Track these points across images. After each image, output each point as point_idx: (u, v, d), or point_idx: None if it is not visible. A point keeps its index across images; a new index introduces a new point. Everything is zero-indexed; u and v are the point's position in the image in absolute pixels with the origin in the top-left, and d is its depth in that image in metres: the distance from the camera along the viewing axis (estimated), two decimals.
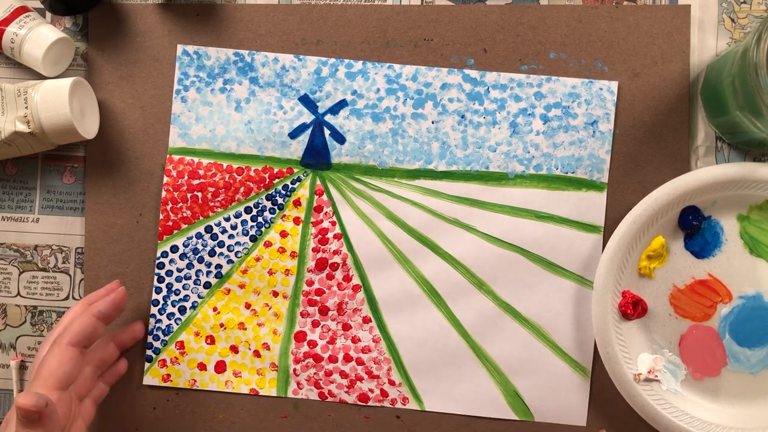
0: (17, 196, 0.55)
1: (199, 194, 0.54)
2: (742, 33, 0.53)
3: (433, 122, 0.53)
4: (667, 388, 0.51)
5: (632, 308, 0.51)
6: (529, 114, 0.53)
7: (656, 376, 0.50)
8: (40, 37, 0.52)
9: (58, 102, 0.50)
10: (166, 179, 0.54)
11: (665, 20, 0.53)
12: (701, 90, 0.53)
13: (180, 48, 0.54)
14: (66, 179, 0.55)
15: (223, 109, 0.54)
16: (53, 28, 0.53)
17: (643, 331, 0.52)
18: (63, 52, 0.54)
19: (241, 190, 0.54)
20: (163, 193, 0.54)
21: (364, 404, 0.53)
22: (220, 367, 0.54)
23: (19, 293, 0.55)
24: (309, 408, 0.54)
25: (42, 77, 0.54)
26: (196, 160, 0.54)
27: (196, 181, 0.54)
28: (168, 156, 0.54)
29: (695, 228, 0.51)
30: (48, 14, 0.55)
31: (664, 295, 0.52)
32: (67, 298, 0.55)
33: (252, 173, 0.54)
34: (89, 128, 0.53)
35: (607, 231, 0.53)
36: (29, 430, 0.39)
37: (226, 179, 0.54)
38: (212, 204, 0.54)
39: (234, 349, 0.54)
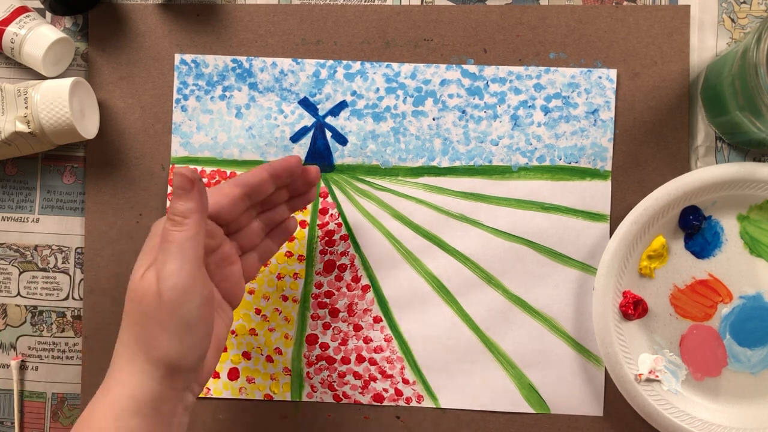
0: (17, 196, 0.55)
1: None
2: (742, 33, 0.53)
3: (434, 119, 0.54)
4: (668, 388, 0.51)
5: (633, 308, 0.51)
6: (530, 106, 0.53)
7: (657, 376, 0.51)
8: (40, 37, 0.52)
9: (58, 102, 0.50)
10: (170, 189, 0.54)
11: (665, 20, 0.53)
12: (701, 90, 0.53)
13: (178, 57, 0.54)
14: (66, 179, 0.55)
15: (224, 116, 0.54)
16: (53, 28, 0.53)
17: (644, 332, 0.52)
18: (63, 52, 0.54)
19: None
20: (168, 203, 0.54)
21: (379, 404, 0.53)
22: (233, 374, 0.54)
23: (19, 293, 0.55)
24: (309, 408, 0.54)
25: (42, 77, 0.54)
26: (199, 168, 0.54)
27: None
28: (171, 166, 0.54)
29: (695, 228, 0.51)
30: (48, 14, 0.55)
31: (664, 295, 0.52)
32: (66, 298, 0.55)
33: None
34: (89, 128, 0.53)
35: (614, 218, 0.53)
36: (182, 201, 0.39)
37: None
38: None
39: (246, 355, 0.54)
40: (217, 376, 0.54)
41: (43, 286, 0.55)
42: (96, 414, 0.38)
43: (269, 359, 0.54)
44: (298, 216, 0.54)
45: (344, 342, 0.54)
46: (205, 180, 0.54)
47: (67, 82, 0.50)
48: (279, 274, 0.54)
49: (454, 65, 0.53)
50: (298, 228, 0.53)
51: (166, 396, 0.38)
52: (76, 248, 0.55)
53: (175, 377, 0.38)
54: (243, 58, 0.54)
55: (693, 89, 0.53)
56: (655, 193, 0.50)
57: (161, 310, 0.37)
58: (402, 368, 0.53)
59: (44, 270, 0.55)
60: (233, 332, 0.54)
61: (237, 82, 0.54)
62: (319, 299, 0.54)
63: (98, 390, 0.39)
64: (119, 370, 0.39)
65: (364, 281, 0.54)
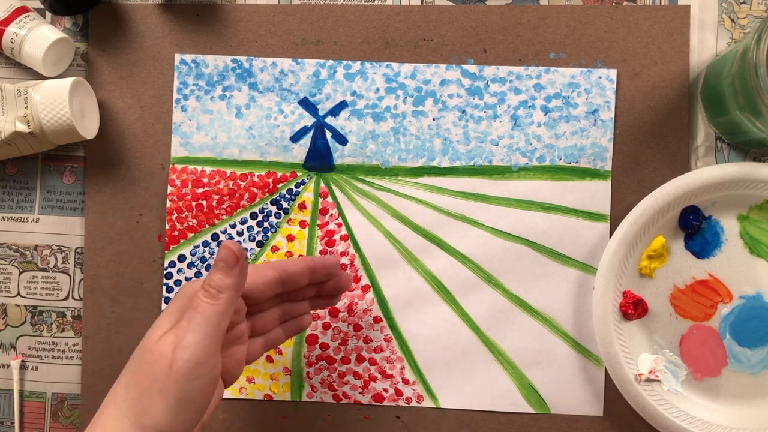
0: (17, 196, 0.55)
1: (204, 202, 0.54)
2: (742, 33, 0.53)
3: (434, 119, 0.54)
4: (668, 388, 0.51)
5: (633, 308, 0.51)
6: (530, 106, 0.53)
7: (657, 376, 0.51)
8: (40, 37, 0.52)
9: (58, 102, 0.50)
10: (170, 189, 0.54)
11: (665, 20, 0.53)
12: (701, 90, 0.53)
13: (178, 57, 0.54)
14: (66, 179, 0.55)
15: (224, 116, 0.54)
16: (53, 28, 0.53)
17: (644, 332, 0.52)
18: (63, 52, 0.54)
19: (246, 196, 0.54)
20: (168, 203, 0.54)
21: (379, 404, 0.53)
22: None
23: (19, 293, 0.55)
24: (309, 408, 0.54)
25: (42, 77, 0.54)
26: (199, 168, 0.54)
27: (200, 190, 0.54)
28: (171, 166, 0.54)
29: (695, 228, 0.51)
30: (48, 14, 0.55)
31: (664, 295, 0.52)
32: (66, 298, 0.55)
33: (256, 179, 0.54)
34: (89, 128, 0.53)
35: (614, 219, 0.53)
36: (222, 274, 0.38)
37: (230, 186, 0.54)
38: (217, 211, 0.54)
39: None
40: None
41: (43, 286, 0.55)
42: None
43: (269, 359, 0.54)
44: (298, 216, 0.54)
45: (344, 342, 0.54)
46: (204, 180, 0.54)
47: (67, 82, 0.50)
48: None
49: (454, 65, 0.53)
50: (298, 228, 0.54)
51: None
52: (76, 248, 0.55)
53: None
54: (243, 58, 0.54)
55: (693, 89, 0.53)
56: (655, 193, 0.50)
57: (169, 379, 0.37)
58: (402, 368, 0.53)
59: (44, 270, 0.55)
60: None
61: (237, 82, 0.54)
62: None
63: None
64: (102, 427, 0.37)
65: (364, 281, 0.54)
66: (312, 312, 0.51)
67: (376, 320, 0.54)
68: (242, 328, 0.44)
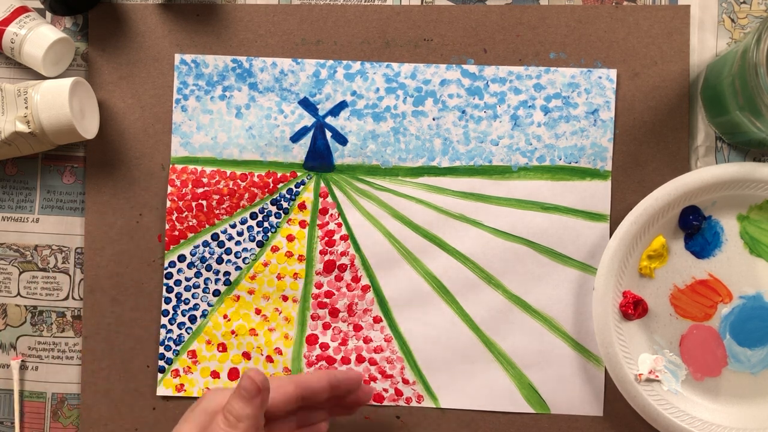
0: (17, 196, 0.55)
1: (204, 202, 0.54)
2: (742, 33, 0.53)
3: (434, 119, 0.54)
4: (668, 388, 0.51)
5: (633, 308, 0.51)
6: (530, 106, 0.53)
7: (657, 376, 0.51)
8: (40, 37, 0.52)
9: (58, 102, 0.50)
10: (170, 189, 0.54)
11: (665, 20, 0.53)
12: (701, 90, 0.53)
13: (178, 57, 0.54)
14: (66, 179, 0.55)
15: (224, 116, 0.54)
16: (53, 28, 0.53)
17: (644, 332, 0.52)
18: (63, 52, 0.54)
19: (246, 196, 0.54)
20: (168, 203, 0.54)
21: (379, 404, 0.53)
22: (234, 374, 0.54)
23: (19, 293, 0.55)
24: None
25: (42, 77, 0.53)
26: (199, 168, 0.54)
27: (200, 190, 0.54)
28: (171, 166, 0.54)
29: (695, 228, 0.51)
30: (48, 14, 0.55)
31: (664, 295, 0.52)
32: (66, 298, 0.55)
33: (256, 179, 0.54)
34: (89, 128, 0.53)
35: (614, 218, 0.53)
36: (243, 403, 0.39)
37: (230, 186, 0.54)
38: (217, 211, 0.54)
39: (246, 355, 0.54)
40: (216, 376, 0.54)
41: (43, 286, 0.55)
42: None
43: (269, 359, 0.54)
44: (298, 216, 0.54)
45: (344, 342, 0.54)
46: (204, 180, 0.54)
47: (67, 82, 0.50)
48: (279, 274, 0.54)
49: (454, 65, 0.53)
50: (298, 228, 0.54)
51: None
52: (76, 248, 0.55)
53: None
54: (243, 58, 0.54)
55: (693, 89, 0.53)
56: (655, 193, 0.50)
57: None
58: (402, 368, 0.53)
59: (44, 270, 0.55)
60: (233, 332, 0.54)
61: (237, 82, 0.54)
62: (319, 299, 0.54)
63: None
64: None
65: (364, 281, 0.54)
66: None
67: (376, 320, 0.54)
68: None
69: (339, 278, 0.54)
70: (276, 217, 0.54)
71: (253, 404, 0.39)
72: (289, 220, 0.54)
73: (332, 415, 0.49)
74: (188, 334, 0.54)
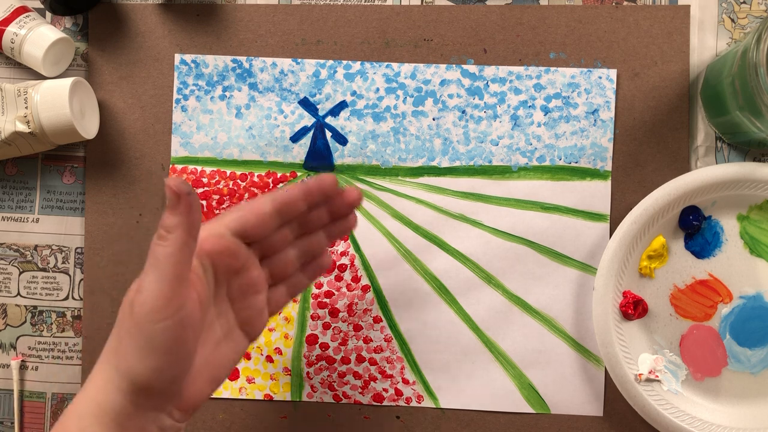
0: (17, 196, 0.55)
1: (204, 202, 0.54)
2: (742, 33, 0.53)
3: (434, 119, 0.54)
4: (668, 388, 0.51)
5: (633, 308, 0.51)
6: (530, 106, 0.53)
7: (657, 376, 0.51)
8: (40, 37, 0.52)
9: (58, 102, 0.50)
10: None
11: (665, 20, 0.53)
12: (701, 90, 0.53)
13: (178, 57, 0.54)
14: (66, 179, 0.55)
15: (224, 116, 0.54)
16: (53, 28, 0.53)
17: (644, 332, 0.52)
18: (63, 52, 0.54)
19: (246, 196, 0.54)
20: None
21: (379, 404, 0.53)
22: (234, 374, 0.54)
23: (19, 293, 0.55)
24: (308, 408, 0.54)
25: (42, 77, 0.54)
26: (199, 168, 0.54)
27: (200, 190, 0.54)
28: (171, 166, 0.54)
29: (695, 228, 0.51)
30: (48, 14, 0.55)
31: (664, 295, 0.52)
32: (66, 298, 0.55)
33: (256, 179, 0.54)
34: (89, 128, 0.53)
35: (614, 218, 0.53)
36: (169, 212, 0.36)
37: (230, 186, 0.54)
38: (217, 211, 0.54)
39: (246, 355, 0.54)
40: None
41: (43, 286, 0.55)
42: (69, 410, 0.37)
43: (269, 359, 0.54)
44: None
45: (344, 342, 0.54)
46: (204, 180, 0.54)
47: (67, 82, 0.50)
48: None
49: (454, 65, 0.53)
50: None
51: (130, 413, 0.36)
52: (76, 248, 0.55)
53: (141, 395, 0.36)
54: (243, 58, 0.54)
55: (693, 89, 0.53)
56: (655, 193, 0.50)
57: (131, 323, 0.36)
58: (402, 368, 0.53)
59: (44, 270, 0.55)
60: None
61: (237, 82, 0.54)
62: (319, 299, 0.54)
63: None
64: (95, 371, 0.38)
65: (364, 281, 0.54)
66: (330, 250, 0.47)
67: (376, 320, 0.54)
68: (255, 275, 0.42)
69: (339, 278, 0.54)
70: None
71: (179, 212, 0.36)
72: None
73: (333, 237, 0.46)
74: None
